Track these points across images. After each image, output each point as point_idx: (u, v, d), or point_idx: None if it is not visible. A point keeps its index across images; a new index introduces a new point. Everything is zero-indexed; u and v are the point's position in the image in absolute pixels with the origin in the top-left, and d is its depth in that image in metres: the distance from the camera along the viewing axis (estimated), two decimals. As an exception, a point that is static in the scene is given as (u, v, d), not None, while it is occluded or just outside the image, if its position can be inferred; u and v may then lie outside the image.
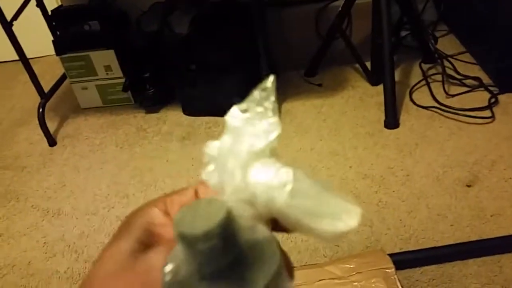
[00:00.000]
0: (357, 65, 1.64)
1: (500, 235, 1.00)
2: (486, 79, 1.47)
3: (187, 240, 0.18)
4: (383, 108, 1.40)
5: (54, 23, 1.64)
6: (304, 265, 0.98)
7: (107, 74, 1.62)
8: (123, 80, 1.61)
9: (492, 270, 0.94)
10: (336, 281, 0.87)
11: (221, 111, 1.64)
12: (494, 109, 1.36)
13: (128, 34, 1.63)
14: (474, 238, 1.00)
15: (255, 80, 1.28)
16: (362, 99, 1.53)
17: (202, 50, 1.48)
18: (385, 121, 1.38)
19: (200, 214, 0.18)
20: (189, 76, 1.51)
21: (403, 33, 1.73)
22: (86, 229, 1.21)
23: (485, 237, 1.00)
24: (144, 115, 1.62)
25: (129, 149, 1.47)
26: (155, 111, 1.62)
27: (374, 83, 1.59)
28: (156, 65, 1.59)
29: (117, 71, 1.61)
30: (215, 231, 0.17)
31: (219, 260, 0.18)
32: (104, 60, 1.59)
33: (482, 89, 1.45)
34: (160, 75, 1.60)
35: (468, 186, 1.12)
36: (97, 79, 1.64)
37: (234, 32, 1.50)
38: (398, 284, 0.83)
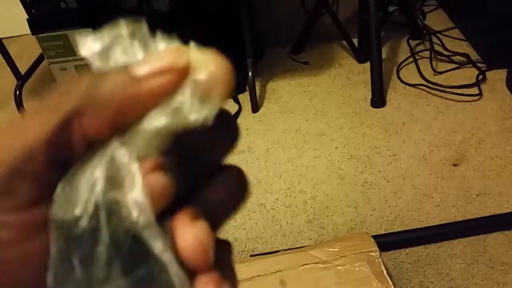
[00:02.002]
0: (344, 42, 1.60)
1: (486, 214, 0.99)
2: (474, 56, 1.45)
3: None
4: (370, 86, 1.37)
5: (28, 0, 1.57)
6: (289, 248, 0.96)
7: (86, 53, 1.56)
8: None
9: (477, 250, 0.93)
10: (320, 265, 0.86)
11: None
12: (482, 86, 1.34)
13: (106, 11, 1.57)
14: (459, 218, 0.99)
15: (240, 58, 1.25)
16: (349, 77, 1.50)
17: (183, 27, 1.43)
18: (371, 100, 1.36)
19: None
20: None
21: (391, 8, 1.69)
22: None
23: (470, 217, 0.99)
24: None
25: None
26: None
27: (361, 60, 1.56)
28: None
29: (96, 51, 1.55)
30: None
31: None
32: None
33: (470, 65, 1.42)
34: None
35: (455, 165, 1.11)
36: (76, 59, 1.58)
37: (217, 8, 1.45)
38: (382, 267, 0.82)
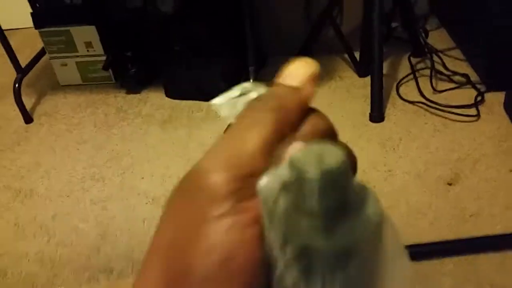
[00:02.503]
0: (346, 55, 1.61)
1: (478, 235, 0.99)
2: (474, 76, 1.46)
3: (302, 173, 0.17)
4: (369, 100, 1.38)
5: (33, -6, 1.57)
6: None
7: (87, 51, 1.57)
8: (104, 58, 1.56)
9: (467, 269, 0.94)
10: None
11: (205, 95, 1.60)
12: (480, 107, 1.35)
13: (111, 10, 1.57)
14: (452, 237, 0.99)
15: (242, 65, 1.25)
16: (349, 90, 1.51)
17: (187, 30, 1.43)
18: (370, 115, 1.36)
19: (318, 153, 0.18)
20: (173, 57, 1.47)
21: (394, 25, 1.71)
22: (59, 211, 1.18)
23: (463, 236, 0.99)
24: (125, 96, 1.57)
25: (108, 131, 1.43)
26: (137, 91, 1.57)
27: (362, 74, 1.56)
28: (139, 44, 1.54)
29: (98, 48, 1.56)
30: (338, 166, 0.17)
31: (328, 200, 0.17)
32: (85, 36, 1.54)
33: (470, 86, 1.43)
34: (143, 55, 1.55)
35: (450, 184, 1.11)
36: (77, 56, 1.59)
37: (221, 13, 1.46)
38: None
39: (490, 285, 0.91)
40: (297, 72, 0.22)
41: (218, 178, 0.19)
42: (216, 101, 0.23)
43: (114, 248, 1.08)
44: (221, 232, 0.18)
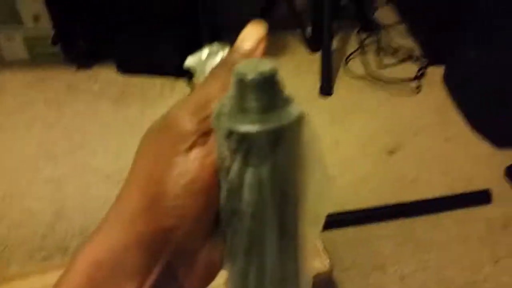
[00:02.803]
0: (298, 32, 1.65)
1: (416, 199, 1.07)
2: (417, 51, 1.54)
3: (243, 76, 0.22)
4: (319, 75, 1.43)
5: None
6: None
7: (35, 24, 1.51)
8: (52, 32, 1.51)
9: (406, 231, 1.02)
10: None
11: (158, 69, 1.59)
12: (422, 80, 1.43)
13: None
14: (393, 202, 1.07)
15: (194, 38, 1.27)
16: (300, 66, 1.55)
17: (141, 2, 1.42)
18: (320, 88, 1.42)
19: (255, 64, 0.23)
20: (126, 31, 1.45)
21: (344, 1, 1.75)
22: (10, 192, 1.17)
23: (403, 201, 1.07)
24: (75, 72, 1.54)
25: (58, 108, 1.41)
26: (87, 67, 1.55)
27: (313, 49, 1.61)
28: (89, 18, 1.51)
29: (46, 22, 1.51)
30: (269, 72, 0.22)
31: (261, 98, 0.22)
32: (32, 8, 1.48)
33: (413, 60, 1.51)
34: (94, 29, 1.52)
35: (391, 153, 1.19)
36: (24, 29, 1.53)
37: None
38: (319, 244, 0.88)
39: (426, 243, 1.00)
40: (250, 37, 0.26)
41: (185, 119, 0.24)
42: (189, 61, 0.28)
43: (69, 227, 1.08)
44: (187, 161, 0.23)
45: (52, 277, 0.78)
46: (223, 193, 0.24)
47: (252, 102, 0.22)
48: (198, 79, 0.27)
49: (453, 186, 1.11)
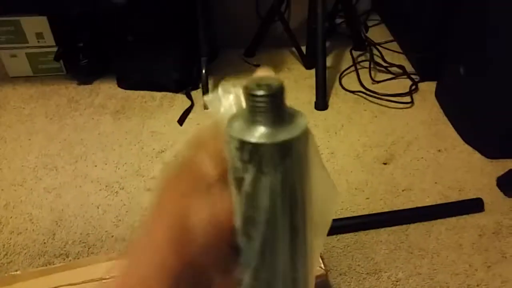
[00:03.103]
0: (294, 49, 1.70)
1: (409, 207, 1.10)
2: (409, 68, 1.59)
3: (254, 91, 0.24)
4: (314, 90, 1.47)
5: (-20, -16, 1.54)
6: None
7: (38, 42, 1.56)
8: (55, 48, 1.56)
9: (399, 237, 1.04)
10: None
11: (157, 86, 1.64)
12: (414, 95, 1.48)
13: (63, 0, 1.57)
14: (386, 210, 1.09)
15: (194, 56, 1.32)
16: (296, 81, 1.59)
17: (140, 21, 1.47)
18: (315, 103, 1.46)
19: (265, 80, 0.25)
20: (126, 48, 1.49)
21: (338, 21, 1.81)
22: (11, 200, 1.18)
23: (396, 209, 1.10)
24: (77, 86, 1.58)
25: (60, 121, 1.44)
26: (88, 82, 1.59)
27: (308, 66, 1.66)
28: (91, 35, 1.56)
29: (49, 39, 1.55)
30: (277, 87, 0.24)
31: (271, 111, 0.24)
32: (36, 27, 1.53)
33: (405, 76, 1.56)
34: (95, 45, 1.57)
35: (385, 164, 1.22)
36: (28, 47, 1.58)
37: (174, 4, 1.50)
38: (314, 249, 0.90)
39: (419, 249, 1.01)
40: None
41: (206, 162, 0.26)
42: (207, 97, 0.30)
43: (69, 233, 1.10)
44: (208, 199, 0.26)
45: (54, 280, 0.79)
46: (238, 204, 0.26)
47: (262, 115, 0.24)
48: (214, 114, 0.29)
49: (446, 195, 1.14)
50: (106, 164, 1.28)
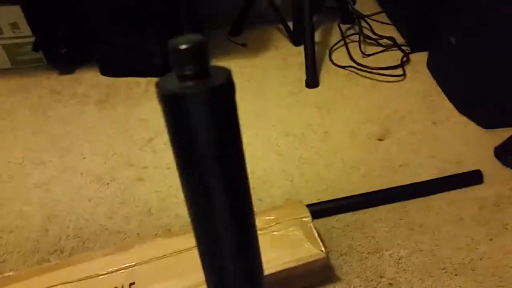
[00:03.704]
0: (281, 26, 1.65)
1: (407, 183, 1.08)
2: (399, 39, 1.55)
3: (178, 46, 0.26)
4: (304, 68, 1.43)
5: None
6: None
7: (14, 32, 1.49)
8: (32, 39, 1.49)
9: (399, 214, 1.02)
10: (259, 232, 0.91)
11: (141, 71, 1.59)
12: (406, 67, 1.45)
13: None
14: (383, 187, 1.08)
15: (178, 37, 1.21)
16: (285, 59, 1.55)
17: (119, 4, 1.41)
18: (306, 81, 1.42)
19: (187, 36, 0.26)
20: (106, 33, 1.44)
21: (324, -6, 1.76)
22: (0, 198, 1.15)
23: (393, 185, 1.08)
24: (58, 77, 1.52)
25: (43, 113, 1.39)
26: (70, 71, 1.53)
27: (296, 43, 1.61)
28: (69, 22, 1.49)
29: (25, 29, 1.49)
30: (200, 41, 0.26)
31: (195, 65, 0.26)
32: (10, 17, 1.46)
33: (396, 48, 1.53)
34: (75, 32, 1.51)
35: (380, 140, 1.20)
36: (3, 38, 1.51)
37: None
38: (314, 232, 0.88)
39: (419, 225, 1.00)
40: None
41: None
42: None
43: (62, 229, 1.07)
44: None
45: (49, 279, 0.76)
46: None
47: (187, 69, 0.26)
48: None
49: (443, 168, 1.12)
50: (94, 155, 1.24)
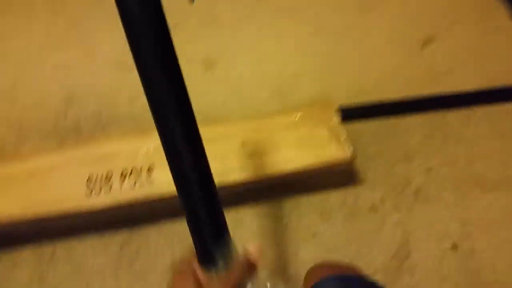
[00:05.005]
0: None
1: (449, 92, 1.00)
2: None
3: None
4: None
5: None
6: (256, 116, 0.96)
7: None
8: None
9: (436, 124, 0.96)
10: (282, 129, 0.86)
11: None
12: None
13: None
14: (424, 94, 1.00)
15: None
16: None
17: None
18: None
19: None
20: None
21: None
22: (20, 77, 1.12)
23: (434, 93, 1.00)
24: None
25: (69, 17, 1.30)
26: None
27: None
28: None
29: None
30: None
31: None
32: None
33: None
34: None
35: (424, 44, 1.09)
36: None
37: None
38: (341, 133, 0.83)
39: (456, 137, 0.94)
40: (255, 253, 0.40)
41: None
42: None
43: (82, 110, 1.05)
44: None
45: (67, 154, 0.73)
46: None
47: None
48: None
49: (488, 80, 1.02)
50: (114, 41, 1.17)
